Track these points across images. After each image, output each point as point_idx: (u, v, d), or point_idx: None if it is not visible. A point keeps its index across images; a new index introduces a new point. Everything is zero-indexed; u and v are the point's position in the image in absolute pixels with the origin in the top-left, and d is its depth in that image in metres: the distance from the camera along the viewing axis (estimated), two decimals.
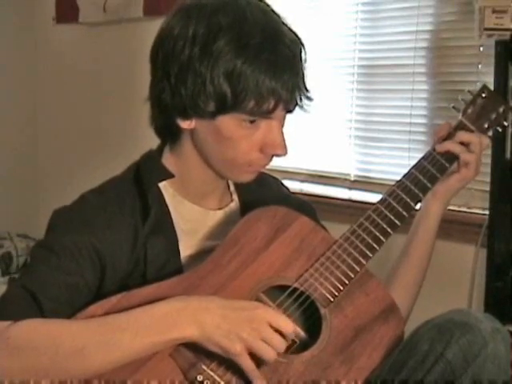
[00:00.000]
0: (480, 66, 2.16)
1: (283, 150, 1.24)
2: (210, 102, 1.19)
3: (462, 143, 1.37)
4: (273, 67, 1.17)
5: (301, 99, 1.23)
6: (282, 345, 1.12)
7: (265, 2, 1.26)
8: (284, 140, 1.24)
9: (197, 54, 1.18)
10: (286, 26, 1.23)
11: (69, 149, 3.56)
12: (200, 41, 1.18)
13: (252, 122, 1.21)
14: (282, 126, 1.25)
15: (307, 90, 1.24)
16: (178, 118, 1.23)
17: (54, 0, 3.49)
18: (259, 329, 1.10)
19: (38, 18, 3.63)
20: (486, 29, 1.95)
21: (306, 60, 1.24)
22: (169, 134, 1.30)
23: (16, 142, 3.62)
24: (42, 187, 3.69)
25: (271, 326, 1.11)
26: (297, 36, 1.24)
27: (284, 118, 1.25)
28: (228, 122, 1.20)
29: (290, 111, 1.24)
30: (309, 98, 1.24)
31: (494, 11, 1.93)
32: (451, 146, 1.36)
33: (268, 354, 1.11)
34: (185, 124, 1.24)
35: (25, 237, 3.39)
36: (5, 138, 3.54)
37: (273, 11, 1.24)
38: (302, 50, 1.24)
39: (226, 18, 1.18)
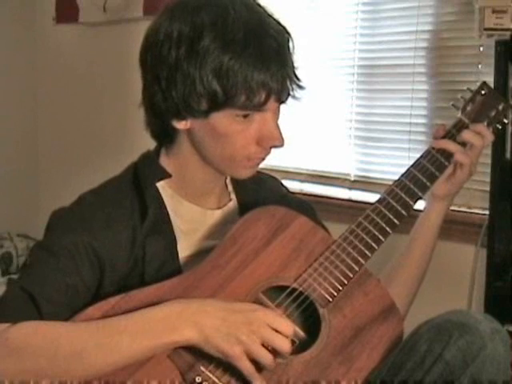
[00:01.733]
0: (480, 66, 2.16)
1: (280, 141, 1.24)
2: (202, 101, 1.19)
3: (462, 143, 1.37)
4: (260, 60, 1.16)
5: (292, 89, 1.23)
6: (286, 345, 1.11)
7: None
8: (280, 131, 1.23)
9: (183, 55, 1.18)
10: (270, 17, 1.23)
11: (69, 149, 3.56)
12: (185, 41, 1.18)
13: (246, 116, 1.21)
14: (277, 117, 1.25)
15: (298, 79, 1.23)
16: (172, 119, 1.24)
17: (53, 0, 3.49)
18: (259, 332, 1.10)
19: (38, 18, 3.62)
20: (486, 29, 1.94)
21: (293, 49, 1.24)
22: (165, 136, 1.30)
23: (16, 142, 3.62)
24: (42, 187, 3.69)
25: (271, 328, 1.11)
26: (282, 26, 1.23)
27: (278, 109, 1.25)
28: (222, 119, 1.20)
29: (283, 102, 1.24)
30: (300, 87, 1.24)
31: (493, 11, 1.92)
32: (447, 144, 1.36)
33: (266, 358, 1.10)
34: (180, 125, 1.24)
35: (25, 237, 3.39)
36: (5, 137, 3.54)
37: (256, 4, 1.24)
38: (289, 40, 1.23)
39: (208, 15, 1.18)
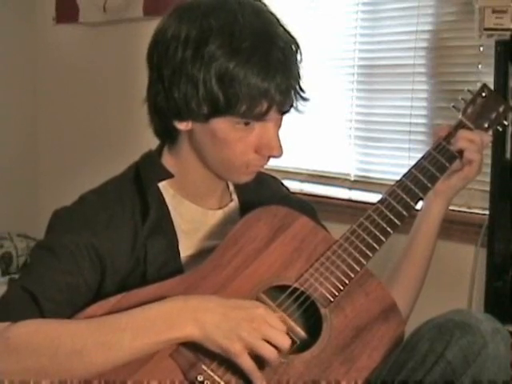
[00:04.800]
0: (480, 66, 2.16)
1: (278, 152, 1.24)
2: (203, 105, 1.19)
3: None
4: (265, 70, 1.17)
5: (295, 100, 1.23)
6: (286, 341, 1.12)
7: (261, 2, 1.25)
8: (279, 141, 1.24)
9: (189, 58, 1.18)
10: (281, 26, 1.23)
11: (69, 149, 3.56)
12: (192, 44, 1.18)
13: (246, 124, 1.21)
14: (279, 127, 1.25)
15: (302, 91, 1.24)
16: (174, 119, 1.24)
17: (53, 0, 3.49)
18: (260, 328, 1.10)
19: (38, 18, 3.62)
20: (486, 29, 1.94)
21: (301, 60, 1.24)
22: (167, 135, 1.30)
23: (16, 142, 3.62)
24: (42, 187, 3.69)
25: (271, 326, 1.11)
26: (292, 36, 1.23)
27: (280, 119, 1.25)
28: (222, 125, 1.21)
29: (285, 113, 1.24)
30: (304, 99, 1.24)
31: (494, 11, 1.92)
32: (461, 141, 1.36)
33: (269, 353, 1.10)
34: (182, 125, 1.24)
35: (25, 237, 3.38)
36: (5, 137, 3.54)
37: (267, 11, 1.24)
38: (298, 51, 1.23)
39: (217, 20, 1.18)
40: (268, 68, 1.17)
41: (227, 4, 1.21)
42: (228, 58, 1.16)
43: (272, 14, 1.24)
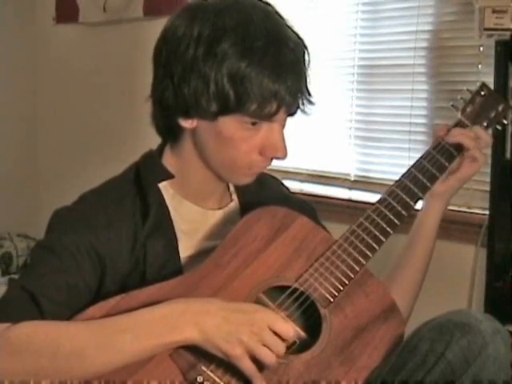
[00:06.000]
0: (480, 66, 2.16)
1: (283, 153, 1.24)
2: (213, 102, 1.19)
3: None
4: (277, 71, 1.17)
5: (303, 103, 1.23)
6: (281, 349, 1.12)
7: (268, 3, 1.26)
8: (284, 143, 1.24)
9: (201, 55, 1.18)
10: (289, 28, 1.23)
11: (69, 149, 3.56)
12: (204, 42, 1.18)
13: (253, 124, 1.21)
14: (283, 128, 1.25)
15: (310, 94, 1.24)
16: (179, 117, 1.24)
17: (53, 0, 3.50)
18: (260, 333, 1.10)
19: (38, 18, 3.63)
20: (486, 29, 1.95)
21: (309, 62, 1.25)
22: (170, 133, 1.30)
23: (16, 142, 3.62)
24: (42, 187, 3.69)
25: (271, 330, 1.11)
26: (300, 38, 1.24)
27: (285, 120, 1.25)
28: (229, 123, 1.21)
29: (292, 114, 1.25)
30: (311, 102, 1.25)
31: (494, 11, 1.93)
32: (464, 139, 1.36)
33: (268, 358, 1.10)
34: (186, 123, 1.24)
35: (25, 237, 3.39)
36: (5, 137, 3.54)
37: (276, 13, 1.24)
38: (306, 53, 1.24)
39: (230, 19, 1.18)
40: (280, 69, 1.18)
41: (240, 4, 1.21)
42: (240, 57, 1.16)
43: (280, 15, 1.25)
